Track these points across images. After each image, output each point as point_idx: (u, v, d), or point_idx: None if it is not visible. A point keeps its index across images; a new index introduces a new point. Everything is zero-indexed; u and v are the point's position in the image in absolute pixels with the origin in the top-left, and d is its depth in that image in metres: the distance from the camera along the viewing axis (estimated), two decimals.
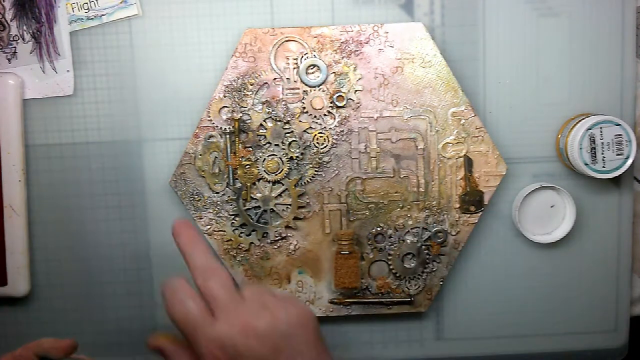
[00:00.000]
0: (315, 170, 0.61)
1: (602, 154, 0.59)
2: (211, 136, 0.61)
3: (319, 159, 0.61)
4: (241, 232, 0.62)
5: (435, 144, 0.61)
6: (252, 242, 0.62)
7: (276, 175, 0.61)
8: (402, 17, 0.61)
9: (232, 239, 0.62)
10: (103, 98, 0.62)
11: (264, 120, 0.61)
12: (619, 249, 0.64)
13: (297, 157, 0.61)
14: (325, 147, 0.61)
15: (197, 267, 0.48)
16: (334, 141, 0.61)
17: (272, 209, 0.61)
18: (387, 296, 0.63)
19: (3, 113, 0.60)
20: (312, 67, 0.60)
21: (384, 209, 0.62)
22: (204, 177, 0.61)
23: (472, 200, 0.62)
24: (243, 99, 0.60)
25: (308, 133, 0.61)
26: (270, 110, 0.60)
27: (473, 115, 0.61)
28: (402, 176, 0.62)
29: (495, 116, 0.63)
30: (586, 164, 0.59)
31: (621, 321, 0.66)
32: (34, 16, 0.60)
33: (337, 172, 0.62)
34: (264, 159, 0.61)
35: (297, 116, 0.61)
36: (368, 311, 0.63)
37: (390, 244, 0.62)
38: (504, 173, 0.62)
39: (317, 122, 0.61)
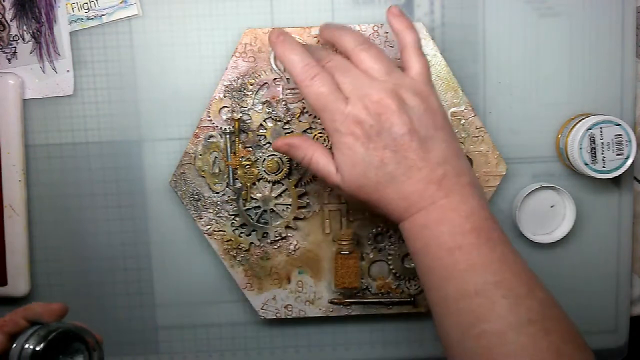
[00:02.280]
0: None
1: (602, 154, 0.59)
2: (211, 136, 0.61)
3: None
4: (241, 232, 0.62)
5: None
6: (252, 242, 0.62)
7: (276, 175, 0.61)
8: None
9: (232, 239, 0.62)
10: (103, 98, 0.62)
11: (264, 120, 0.61)
12: (619, 249, 0.64)
13: None
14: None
15: (349, 47, 0.53)
16: None
17: (272, 209, 0.61)
18: (387, 296, 0.63)
19: (3, 113, 0.60)
20: None
21: None
22: (204, 177, 0.61)
23: None
24: (243, 99, 0.60)
25: (308, 133, 0.61)
26: (271, 110, 0.60)
27: (473, 115, 0.61)
28: None
29: (495, 116, 0.63)
30: (586, 164, 0.59)
31: (621, 321, 0.66)
32: (34, 16, 0.60)
33: None
34: (264, 159, 0.61)
35: (297, 116, 0.61)
36: (368, 311, 0.63)
37: (390, 244, 0.62)
38: (504, 173, 0.62)
39: (317, 122, 0.61)
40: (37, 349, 0.44)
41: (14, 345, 0.45)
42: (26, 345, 0.44)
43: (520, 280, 0.47)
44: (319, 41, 0.59)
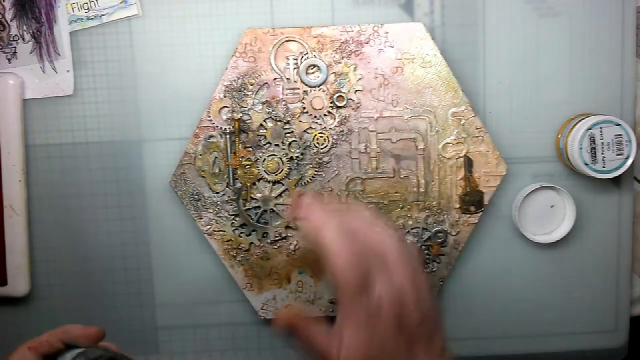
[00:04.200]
0: (315, 171, 0.61)
1: (602, 154, 0.59)
2: (211, 136, 0.61)
3: (319, 159, 0.61)
4: (241, 232, 0.62)
5: (436, 144, 0.61)
6: (252, 242, 0.62)
7: (276, 175, 0.61)
8: (402, 17, 0.61)
9: (232, 239, 0.62)
10: (103, 98, 0.62)
11: (264, 120, 0.61)
12: (619, 249, 0.64)
13: (297, 157, 0.61)
14: (325, 147, 0.61)
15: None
16: (334, 141, 0.61)
17: (272, 209, 0.62)
18: None
19: (3, 113, 0.60)
20: (312, 67, 0.60)
21: (384, 209, 0.62)
22: (204, 177, 0.61)
23: (472, 200, 0.62)
24: (243, 99, 0.60)
25: (308, 133, 0.61)
26: (270, 110, 0.60)
27: (473, 115, 0.61)
28: (402, 176, 0.62)
29: (495, 116, 0.63)
30: (586, 164, 0.59)
31: (621, 321, 0.66)
32: (34, 16, 0.60)
33: (337, 172, 0.62)
34: (264, 159, 0.61)
35: (297, 116, 0.61)
36: None
37: None
38: (504, 173, 0.62)
39: (317, 122, 0.61)
40: None
41: None
42: None
43: None
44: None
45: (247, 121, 0.61)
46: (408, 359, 0.46)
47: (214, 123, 0.60)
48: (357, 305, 0.47)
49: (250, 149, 0.61)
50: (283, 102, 0.60)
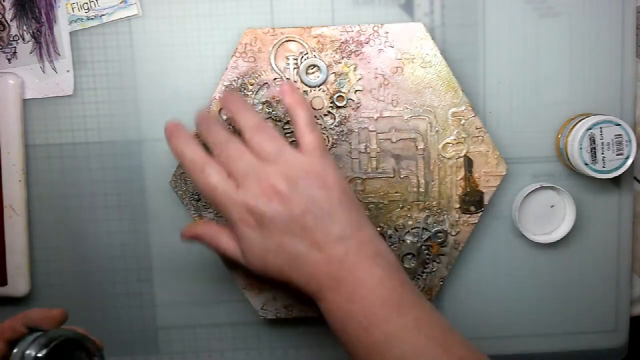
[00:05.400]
0: None
1: (602, 154, 0.59)
2: None
3: None
4: None
5: (436, 144, 0.61)
6: None
7: None
8: (402, 17, 0.61)
9: None
10: (103, 98, 0.62)
11: None
12: (619, 249, 0.64)
13: None
14: None
15: (243, 127, 0.52)
16: (334, 141, 0.61)
17: None
18: None
19: (3, 113, 0.60)
20: (312, 67, 0.60)
21: (384, 209, 0.62)
22: None
23: (472, 200, 0.62)
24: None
25: None
26: (270, 111, 0.60)
27: (473, 115, 0.61)
28: (402, 176, 0.62)
29: (495, 116, 0.63)
30: (586, 164, 0.59)
31: (621, 321, 0.66)
32: (34, 16, 0.60)
33: None
34: None
35: None
36: None
37: (390, 244, 0.62)
38: (504, 173, 0.62)
39: (317, 122, 0.61)
40: (39, 355, 0.43)
41: (14, 351, 0.44)
42: (27, 352, 0.43)
43: (435, 342, 0.47)
44: (221, 109, 0.60)
45: None
46: (298, 250, 0.49)
47: None
48: (230, 211, 0.50)
49: None
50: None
